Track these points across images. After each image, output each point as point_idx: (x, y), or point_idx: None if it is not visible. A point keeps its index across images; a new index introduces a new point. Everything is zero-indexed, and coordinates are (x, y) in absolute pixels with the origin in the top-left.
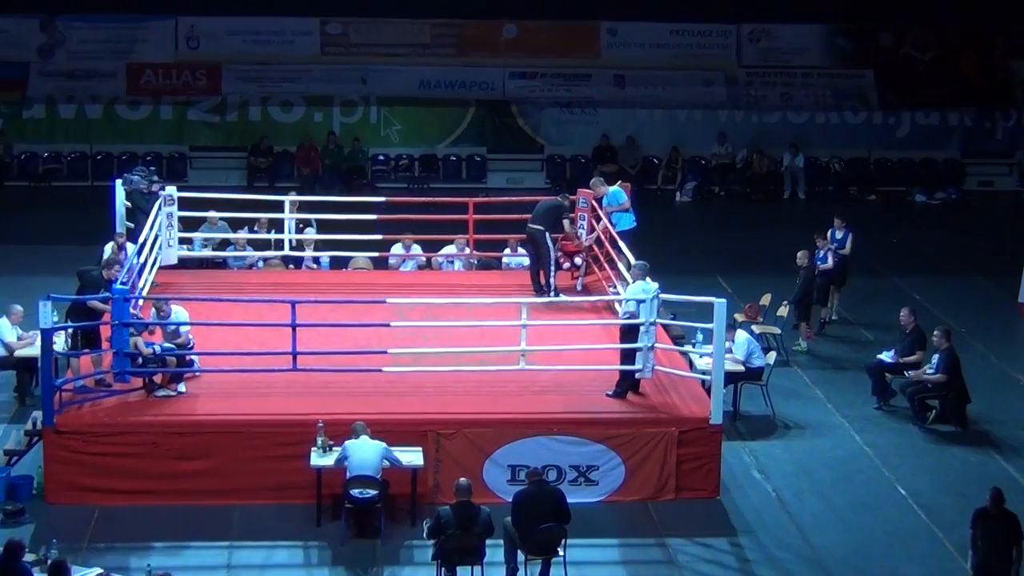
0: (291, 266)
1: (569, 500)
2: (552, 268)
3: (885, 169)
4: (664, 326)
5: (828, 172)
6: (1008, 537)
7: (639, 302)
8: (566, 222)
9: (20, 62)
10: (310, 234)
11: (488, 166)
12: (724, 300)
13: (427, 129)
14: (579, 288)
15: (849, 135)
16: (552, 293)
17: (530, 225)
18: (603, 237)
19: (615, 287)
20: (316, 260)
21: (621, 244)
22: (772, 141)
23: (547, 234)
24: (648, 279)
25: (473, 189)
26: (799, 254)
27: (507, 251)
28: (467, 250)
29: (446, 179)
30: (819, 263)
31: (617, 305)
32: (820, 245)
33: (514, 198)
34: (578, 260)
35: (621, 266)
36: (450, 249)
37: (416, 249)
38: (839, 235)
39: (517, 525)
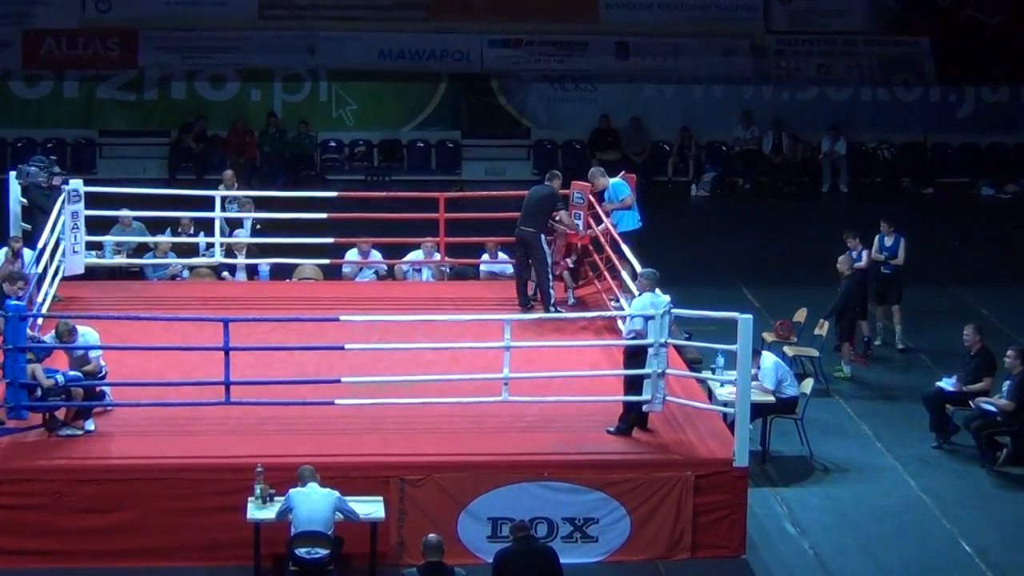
0: (225, 276)
1: (563, 560)
2: (549, 277)
3: (944, 157)
4: (677, 348)
5: (875, 160)
6: None
7: (646, 319)
8: (562, 213)
9: None
10: (244, 236)
11: (463, 154)
12: (750, 316)
13: (389, 109)
14: (572, 302)
15: (901, 115)
16: (551, 308)
17: (521, 227)
18: (603, 240)
19: (617, 301)
20: (254, 269)
21: (624, 248)
22: (808, 123)
23: (542, 236)
24: (657, 291)
25: (444, 182)
26: (840, 260)
27: (485, 256)
28: (437, 256)
29: (412, 170)
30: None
31: (620, 323)
32: (852, 246)
33: (494, 192)
34: (569, 262)
35: (624, 275)
36: (417, 255)
37: (375, 255)
38: (888, 241)
39: None
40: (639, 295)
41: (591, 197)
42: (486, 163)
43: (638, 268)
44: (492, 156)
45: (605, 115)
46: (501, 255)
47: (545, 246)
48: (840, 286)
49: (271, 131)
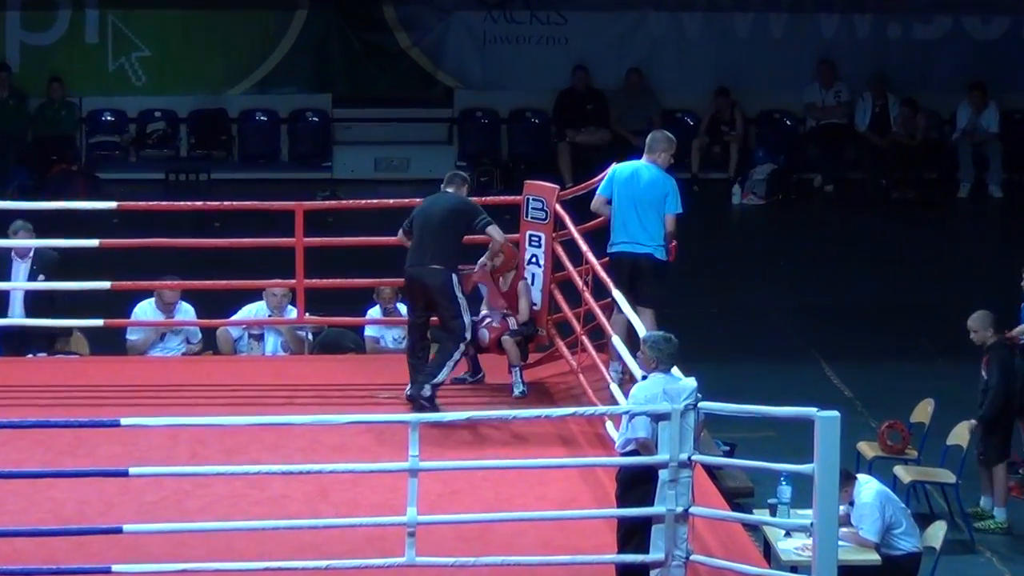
0: None
1: None
2: (457, 351)
3: None
4: (710, 470)
5: None
6: None
7: (654, 419)
8: (492, 229)
9: None
10: None
11: (336, 134)
12: (835, 414)
13: (207, 59)
14: (521, 390)
15: None
16: (470, 376)
17: (415, 265)
18: (578, 281)
19: (612, 386)
20: None
21: (617, 296)
22: (933, 79)
23: (452, 278)
24: (675, 370)
25: (305, 183)
26: (975, 320)
27: (375, 312)
28: (290, 311)
29: (247, 162)
30: None
31: (609, 426)
32: None
33: (390, 202)
34: (512, 322)
35: (616, 342)
36: (255, 310)
37: (186, 312)
38: None
39: None
40: (642, 378)
41: (558, 209)
42: (375, 150)
43: (642, 330)
44: (387, 137)
45: (581, 67)
46: (402, 309)
47: (459, 293)
48: (984, 365)
49: (2, 96)
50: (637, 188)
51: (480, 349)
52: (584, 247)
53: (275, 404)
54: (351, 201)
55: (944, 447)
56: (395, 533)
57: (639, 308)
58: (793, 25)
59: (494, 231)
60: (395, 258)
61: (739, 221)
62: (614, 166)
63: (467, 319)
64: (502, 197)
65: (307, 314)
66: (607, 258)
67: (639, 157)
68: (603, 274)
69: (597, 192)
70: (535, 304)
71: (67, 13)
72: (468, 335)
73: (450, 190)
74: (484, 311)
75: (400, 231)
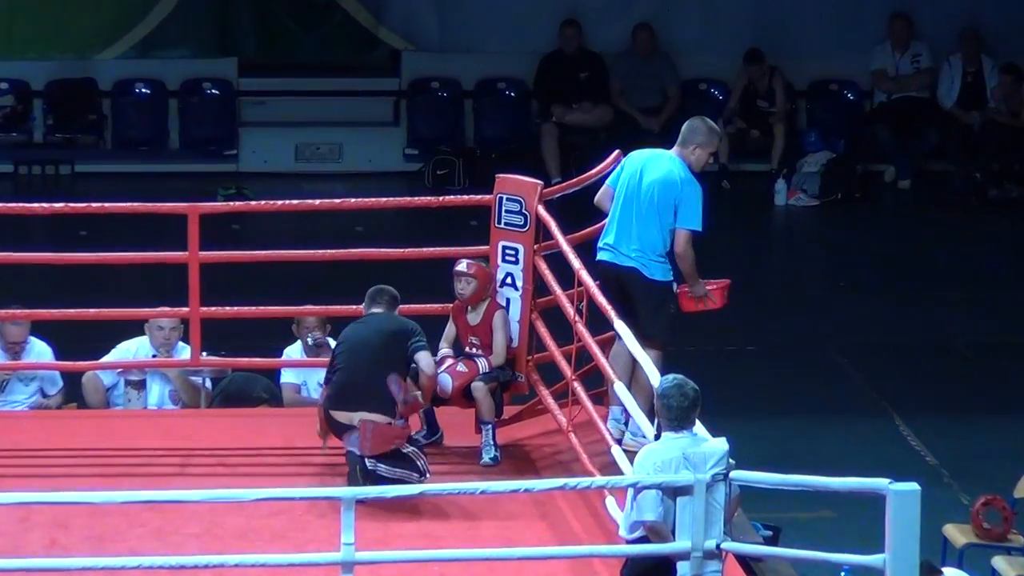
0: None
1: None
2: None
3: None
4: (746, 561)
5: None
6: None
7: (670, 493)
8: (422, 359)
9: None
10: None
11: (242, 112)
12: (913, 486)
13: (69, 13)
14: (493, 455)
15: None
16: (427, 435)
17: (341, 415)
18: (572, 311)
19: (614, 449)
20: None
21: (618, 326)
22: None
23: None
24: (697, 429)
25: (200, 176)
26: None
27: (294, 350)
28: (182, 350)
29: (121, 148)
30: None
31: (612, 502)
32: None
33: (314, 203)
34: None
35: (618, 388)
36: (135, 349)
37: (39, 353)
38: None
39: None
40: (655, 438)
41: (541, 213)
42: (296, 133)
43: (653, 376)
44: (312, 117)
45: (572, 22)
46: (333, 343)
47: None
48: None
49: None
50: (641, 183)
51: (438, 401)
52: (576, 263)
53: (161, 475)
54: (264, 202)
55: None
56: None
57: (643, 343)
58: None
59: (424, 360)
60: (321, 277)
61: (784, 228)
62: (615, 157)
63: (420, 463)
64: (466, 197)
65: (204, 354)
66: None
67: (651, 143)
68: (602, 299)
69: (607, 183)
70: (512, 341)
71: None
72: (424, 472)
73: (378, 310)
74: (444, 349)
75: (322, 387)
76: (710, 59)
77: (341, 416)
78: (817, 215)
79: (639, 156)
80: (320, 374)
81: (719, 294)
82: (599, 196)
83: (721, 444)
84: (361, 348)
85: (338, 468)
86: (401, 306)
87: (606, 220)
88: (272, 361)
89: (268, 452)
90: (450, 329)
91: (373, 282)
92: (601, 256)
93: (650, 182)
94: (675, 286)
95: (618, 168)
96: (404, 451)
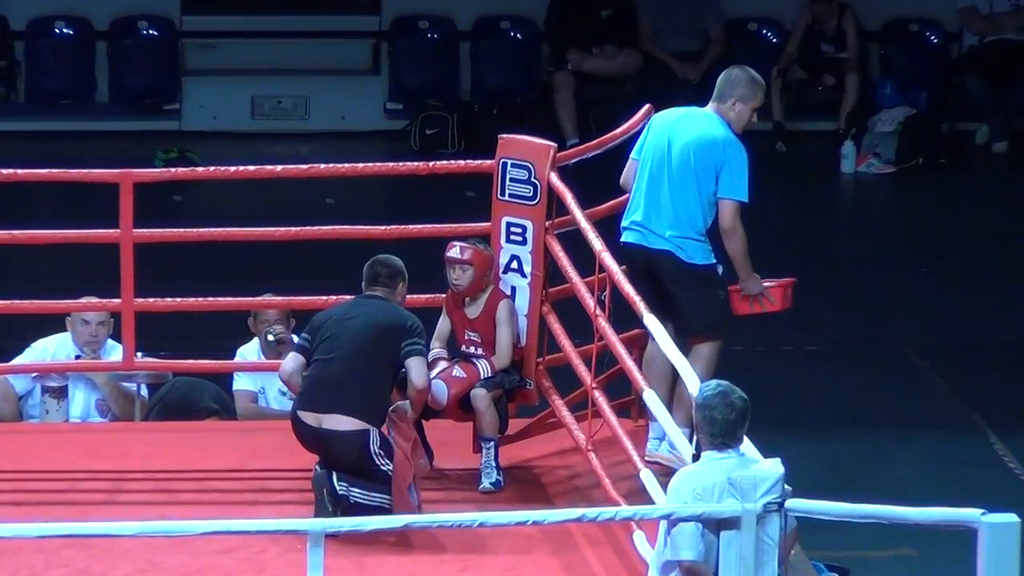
0: None
1: None
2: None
3: None
4: None
5: None
6: None
7: (712, 526)
8: (414, 365)
9: None
10: None
11: (186, 57)
12: (1012, 518)
13: None
14: (495, 479)
15: None
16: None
17: (306, 414)
18: (592, 303)
19: (643, 474)
20: None
21: (649, 321)
22: None
23: (373, 435)
24: (745, 448)
25: (136, 138)
26: None
27: (248, 351)
28: (112, 349)
29: (40, 104)
30: None
31: (640, 537)
32: None
33: (275, 169)
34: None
35: (650, 397)
36: (54, 348)
37: None
38: None
39: None
40: (692, 459)
41: (555, 182)
42: (253, 84)
43: (692, 384)
44: (271, 63)
45: None
46: (297, 340)
47: (382, 458)
48: None
49: None
50: (672, 147)
51: (428, 414)
52: (598, 244)
53: (87, 503)
54: (213, 169)
55: None
56: None
57: (690, 341)
58: None
59: (416, 369)
60: (282, 259)
61: (853, 201)
62: (646, 111)
63: (415, 497)
64: (461, 162)
65: (139, 355)
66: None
67: (688, 97)
68: (630, 288)
69: (631, 156)
70: (519, 340)
71: None
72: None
73: (377, 293)
74: (436, 349)
75: (290, 357)
76: None
77: (309, 418)
78: (893, 185)
79: (667, 116)
80: (280, 382)
81: (780, 293)
82: (625, 174)
83: (775, 466)
84: (345, 340)
85: (305, 494)
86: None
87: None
88: (223, 364)
89: (218, 475)
90: (443, 324)
91: (346, 267)
92: (626, 238)
93: (684, 144)
94: (719, 268)
95: (643, 133)
96: (384, 469)
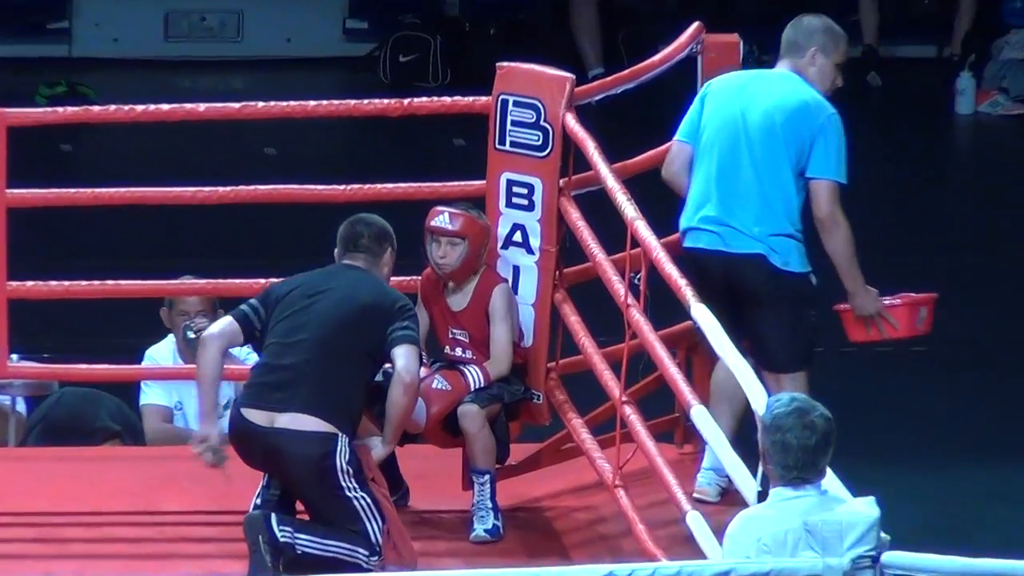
0: None
1: None
2: (372, 554)
3: None
4: None
5: None
6: None
7: None
8: (401, 354)
9: None
10: None
11: None
12: None
13: None
14: (490, 525)
15: None
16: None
17: (254, 413)
18: (622, 289)
19: (690, 517)
20: None
21: (698, 312)
22: None
23: (340, 447)
24: (829, 481)
25: (14, 66)
26: None
27: (163, 347)
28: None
29: None
30: None
31: None
32: None
33: (198, 108)
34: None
35: (704, 417)
36: None
37: None
38: None
39: None
40: (757, 497)
41: (571, 125)
42: None
43: (757, 399)
44: None
45: None
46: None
47: (348, 477)
48: None
49: None
50: (751, 118)
51: (404, 439)
52: (630, 210)
53: None
54: (113, 108)
55: None
56: None
57: (766, 374)
58: None
59: (405, 359)
60: (207, 230)
61: (971, 150)
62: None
63: (371, 527)
64: (447, 99)
65: (14, 357)
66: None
67: (747, 16)
68: (672, 269)
69: (676, 136)
70: (522, 339)
71: None
72: (378, 550)
73: (358, 263)
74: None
75: (220, 323)
76: None
77: (258, 416)
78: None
79: (729, 82)
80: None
81: (903, 314)
82: (670, 163)
83: (867, 508)
84: (314, 320)
85: (235, 544)
86: None
87: (686, 183)
88: (127, 370)
89: (119, 519)
90: (419, 319)
91: (293, 240)
92: (695, 242)
93: (766, 111)
94: (813, 279)
95: (695, 105)
96: (349, 496)
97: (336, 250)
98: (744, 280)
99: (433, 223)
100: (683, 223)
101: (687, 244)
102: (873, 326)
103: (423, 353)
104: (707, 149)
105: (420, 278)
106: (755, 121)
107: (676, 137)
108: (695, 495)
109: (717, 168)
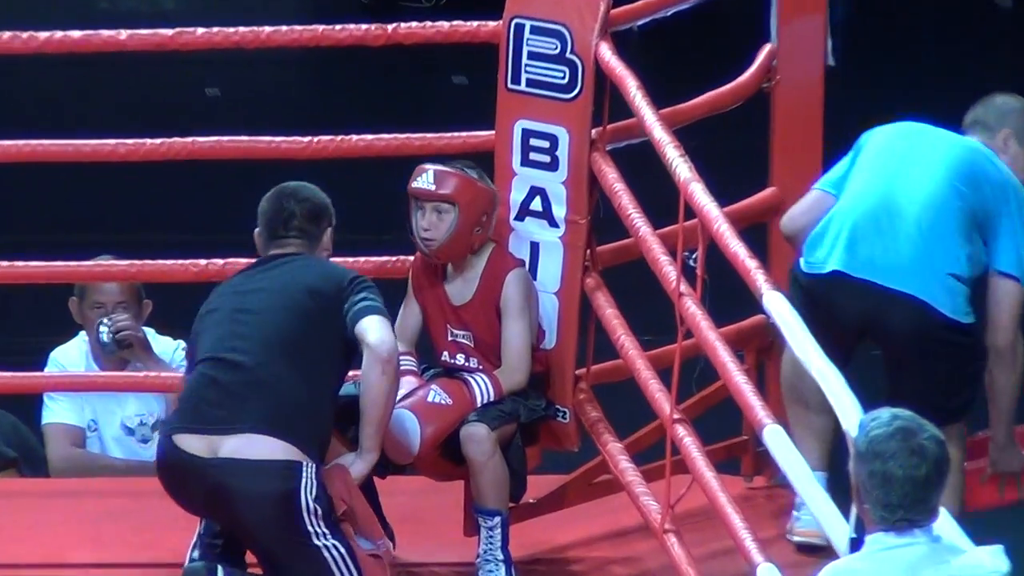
0: None
1: None
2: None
3: None
4: None
5: None
6: None
7: None
8: (369, 325)
9: None
10: None
11: None
12: None
13: None
14: None
15: None
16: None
17: (185, 435)
18: (673, 273)
19: (762, 569)
20: None
21: (773, 303)
22: None
23: (305, 477)
24: (941, 525)
25: None
26: None
27: (72, 348)
28: None
29: None
30: None
31: None
32: None
33: (120, 35)
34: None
35: (780, 440)
36: None
37: None
38: None
39: None
40: (851, 544)
41: (605, 56)
42: None
43: (849, 418)
44: None
45: None
46: (165, 341)
47: (315, 515)
48: None
49: None
50: (920, 146)
51: (388, 468)
52: (684, 170)
53: None
54: (7, 35)
55: None
56: None
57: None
58: None
59: (373, 330)
60: (128, 198)
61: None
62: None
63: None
64: (444, 24)
65: None
66: (799, 274)
67: None
68: (740, 248)
69: (817, 186)
70: (543, 340)
71: None
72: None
73: (289, 249)
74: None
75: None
76: None
77: (194, 444)
78: None
79: (898, 131)
80: (127, 402)
81: None
82: (799, 213)
83: (993, 560)
84: (253, 321)
85: None
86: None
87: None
88: (26, 378)
89: (17, 573)
90: (409, 314)
91: (242, 209)
92: (826, 267)
93: (947, 148)
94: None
95: (849, 160)
96: (316, 545)
97: (257, 232)
98: (894, 325)
99: (414, 184)
100: (813, 253)
101: (813, 270)
102: (1009, 487)
103: (414, 359)
104: (858, 199)
105: (412, 263)
106: (929, 153)
107: (818, 186)
108: (795, 538)
109: (874, 194)
